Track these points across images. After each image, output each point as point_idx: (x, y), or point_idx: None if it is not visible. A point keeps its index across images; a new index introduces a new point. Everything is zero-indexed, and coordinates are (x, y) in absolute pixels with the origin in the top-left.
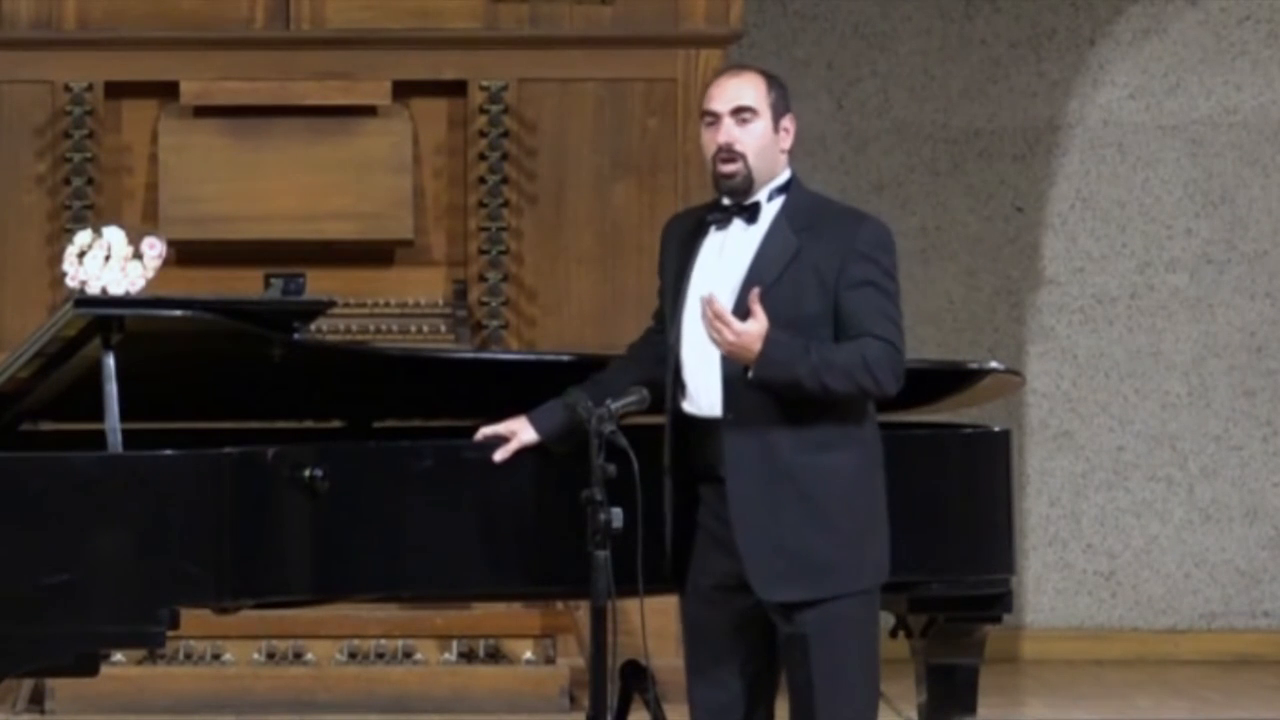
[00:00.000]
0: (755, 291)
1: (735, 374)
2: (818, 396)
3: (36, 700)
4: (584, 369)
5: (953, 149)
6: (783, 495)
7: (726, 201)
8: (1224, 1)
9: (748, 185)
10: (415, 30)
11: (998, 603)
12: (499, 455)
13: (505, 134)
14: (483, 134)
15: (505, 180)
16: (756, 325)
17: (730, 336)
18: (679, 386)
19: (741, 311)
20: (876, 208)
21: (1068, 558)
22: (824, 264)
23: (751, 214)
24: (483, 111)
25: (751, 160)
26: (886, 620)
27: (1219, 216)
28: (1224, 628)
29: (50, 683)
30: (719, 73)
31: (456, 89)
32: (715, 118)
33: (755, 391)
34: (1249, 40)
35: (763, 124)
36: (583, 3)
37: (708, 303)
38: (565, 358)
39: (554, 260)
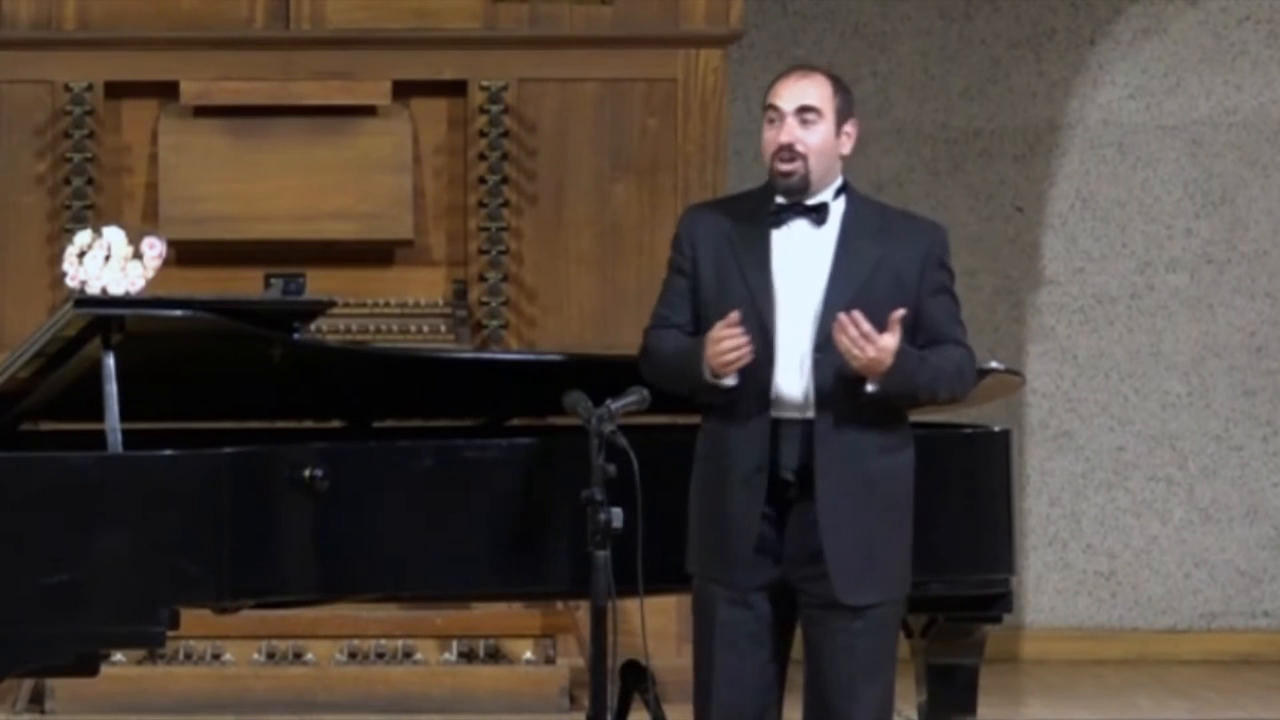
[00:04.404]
0: (900, 313)
1: (827, 377)
2: (921, 403)
3: (36, 700)
4: (584, 369)
5: (953, 149)
6: (867, 499)
7: (781, 200)
8: (1224, 1)
9: (804, 186)
10: (415, 30)
11: (998, 603)
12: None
13: (505, 134)
14: (483, 134)
15: (505, 180)
16: (893, 341)
17: (872, 353)
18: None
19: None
20: None
21: (1068, 558)
22: (905, 271)
23: (820, 215)
24: (483, 111)
25: (812, 161)
26: None
27: (1219, 216)
28: (1224, 628)
29: (50, 683)
30: (786, 71)
31: (456, 89)
32: (779, 115)
33: (842, 395)
34: (1249, 40)
35: (825, 126)
36: (583, 3)
37: (853, 321)
38: (565, 358)
39: (554, 260)
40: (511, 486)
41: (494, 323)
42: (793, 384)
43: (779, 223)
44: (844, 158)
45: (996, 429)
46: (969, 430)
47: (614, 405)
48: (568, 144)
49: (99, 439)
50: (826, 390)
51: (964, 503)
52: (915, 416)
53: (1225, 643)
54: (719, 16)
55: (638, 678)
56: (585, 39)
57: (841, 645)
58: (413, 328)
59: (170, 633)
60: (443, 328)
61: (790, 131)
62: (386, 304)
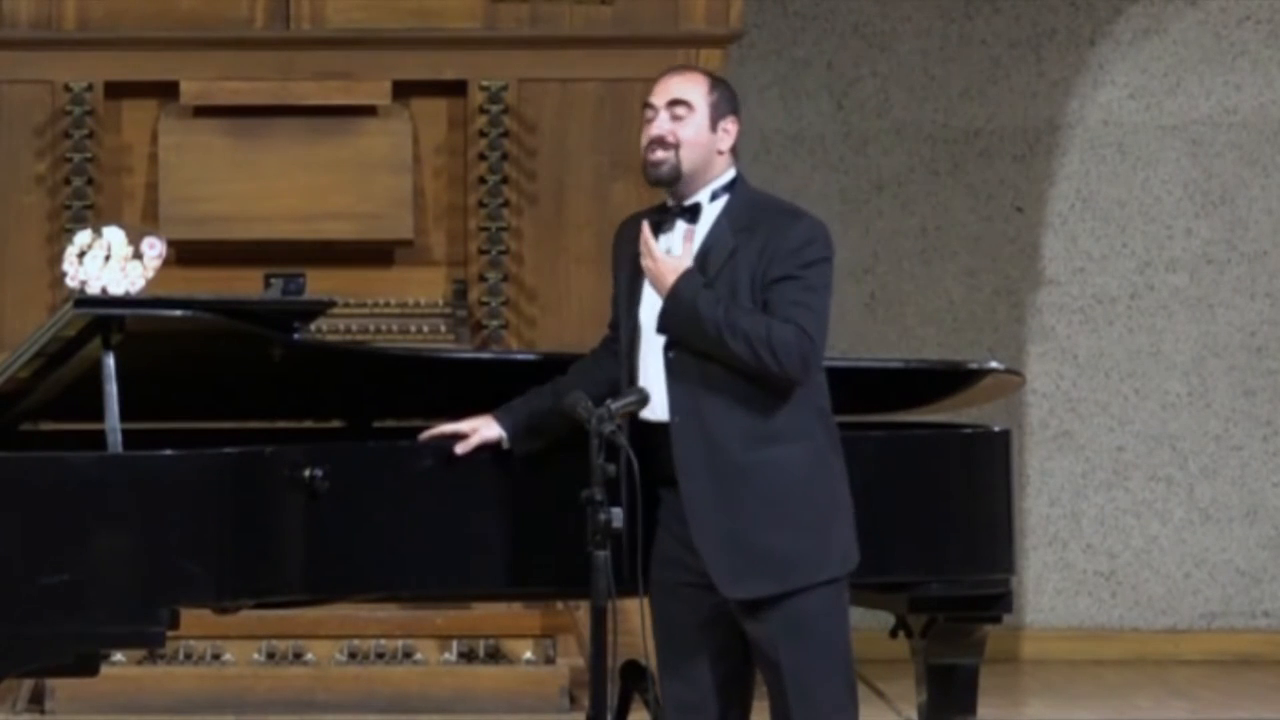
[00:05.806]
0: (689, 229)
1: (680, 374)
2: (715, 350)
3: (36, 700)
4: None
5: (953, 149)
6: (735, 493)
7: (670, 203)
8: (1224, 1)
9: (675, 176)
10: (415, 30)
11: (998, 603)
12: (460, 448)
13: (505, 134)
14: (483, 134)
15: (505, 180)
16: (677, 260)
17: (649, 262)
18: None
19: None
20: (876, 208)
21: (1068, 558)
22: (756, 262)
23: (693, 214)
24: (483, 111)
25: (683, 152)
26: (886, 620)
27: (1219, 216)
28: (1224, 628)
29: (50, 683)
30: (664, 71)
31: (456, 89)
32: (653, 110)
33: (700, 393)
34: (1249, 40)
35: (698, 120)
36: (583, 3)
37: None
38: (564, 358)
39: (554, 260)
40: (511, 486)
41: (494, 323)
42: (658, 385)
43: (667, 227)
44: (726, 154)
45: (996, 429)
46: (969, 430)
47: (614, 405)
48: (568, 144)
49: (99, 439)
50: (681, 387)
51: (964, 503)
52: (914, 416)
53: (1225, 643)
54: (719, 16)
55: (638, 678)
56: (585, 39)
57: (767, 654)
58: (413, 328)
59: (170, 633)
60: (443, 328)
61: (661, 124)
62: (386, 304)
